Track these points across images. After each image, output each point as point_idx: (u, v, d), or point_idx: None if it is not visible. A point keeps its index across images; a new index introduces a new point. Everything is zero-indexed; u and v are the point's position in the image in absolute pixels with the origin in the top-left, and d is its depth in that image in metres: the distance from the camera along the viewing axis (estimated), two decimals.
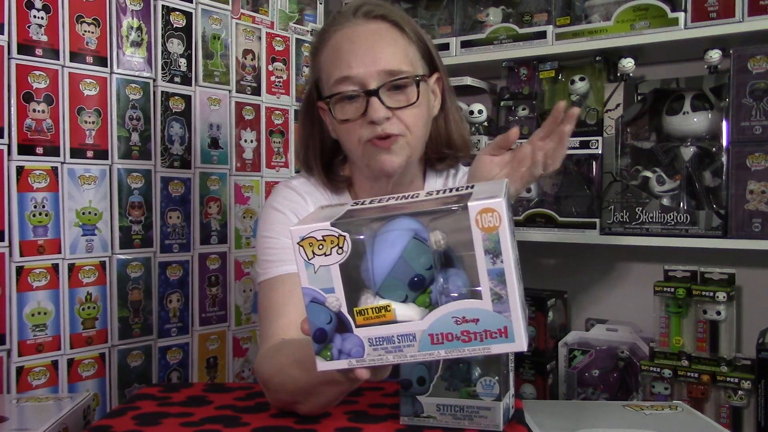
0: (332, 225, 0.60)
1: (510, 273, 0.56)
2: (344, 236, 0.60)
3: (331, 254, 0.60)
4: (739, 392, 1.46)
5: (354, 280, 0.61)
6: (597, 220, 1.65)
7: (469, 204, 0.56)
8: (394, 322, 0.60)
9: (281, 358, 0.88)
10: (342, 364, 0.63)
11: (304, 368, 0.81)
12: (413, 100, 0.99)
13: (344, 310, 0.61)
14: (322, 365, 0.63)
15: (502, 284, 0.57)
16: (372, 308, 0.60)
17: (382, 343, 0.61)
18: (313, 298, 0.62)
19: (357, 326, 0.61)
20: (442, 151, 1.13)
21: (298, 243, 0.61)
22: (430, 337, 0.59)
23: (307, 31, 1.96)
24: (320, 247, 0.60)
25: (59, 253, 1.40)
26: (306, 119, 1.12)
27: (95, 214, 1.46)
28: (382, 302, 0.60)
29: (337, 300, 0.61)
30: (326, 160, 1.12)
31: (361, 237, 0.60)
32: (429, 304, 0.60)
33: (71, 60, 1.41)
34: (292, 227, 0.62)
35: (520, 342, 0.58)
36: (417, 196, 0.66)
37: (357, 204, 0.67)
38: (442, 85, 1.11)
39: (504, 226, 0.56)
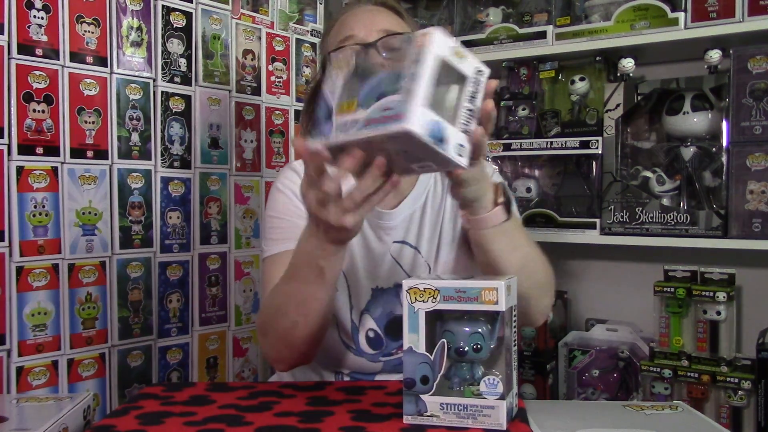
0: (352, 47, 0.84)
1: (420, 78, 0.70)
2: (351, 55, 0.81)
3: (342, 69, 0.81)
4: (739, 392, 1.46)
5: (352, 90, 0.78)
6: (597, 220, 1.65)
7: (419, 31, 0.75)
8: (354, 114, 0.77)
9: (273, 294, 1.01)
10: (318, 143, 0.78)
11: (288, 283, 0.94)
12: None
13: (334, 105, 0.79)
14: (310, 143, 0.79)
15: (413, 82, 0.70)
16: (346, 103, 0.78)
17: (340, 127, 0.77)
18: (324, 97, 0.80)
19: (336, 115, 0.78)
20: None
21: (329, 52, 0.86)
22: (365, 121, 0.74)
23: (307, 31, 1.96)
24: (338, 63, 0.81)
25: (59, 253, 1.40)
26: (311, 101, 1.21)
27: (95, 214, 1.46)
28: (354, 101, 0.77)
29: (333, 99, 0.80)
30: None
31: (360, 62, 0.80)
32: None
33: (71, 60, 1.41)
34: (332, 50, 0.84)
35: (408, 120, 0.69)
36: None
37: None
38: None
39: (431, 50, 0.71)
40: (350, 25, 1.11)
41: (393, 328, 1.12)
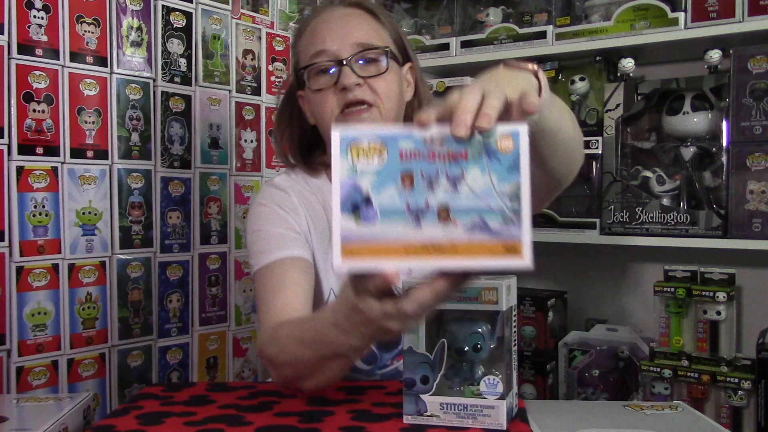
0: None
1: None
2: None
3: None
4: (739, 392, 1.46)
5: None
6: (597, 220, 1.65)
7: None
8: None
9: (283, 339, 0.90)
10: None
11: (308, 346, 0.84)
12: (383, 70, 1.05)
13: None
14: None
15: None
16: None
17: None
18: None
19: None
20: None
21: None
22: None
23: None
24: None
25: (59, 253, 1.40)
26: (285, 109, 1.18)
27: (95, 214, 1.46)
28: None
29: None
30: (304, 148, 1.17)
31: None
32: None
33: (71, 60, 1.41)
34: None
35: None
36: None
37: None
38: (415, 75, 1.16)
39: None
40: (322, 37, 1.05)
41: (385, 339, 1.08)
